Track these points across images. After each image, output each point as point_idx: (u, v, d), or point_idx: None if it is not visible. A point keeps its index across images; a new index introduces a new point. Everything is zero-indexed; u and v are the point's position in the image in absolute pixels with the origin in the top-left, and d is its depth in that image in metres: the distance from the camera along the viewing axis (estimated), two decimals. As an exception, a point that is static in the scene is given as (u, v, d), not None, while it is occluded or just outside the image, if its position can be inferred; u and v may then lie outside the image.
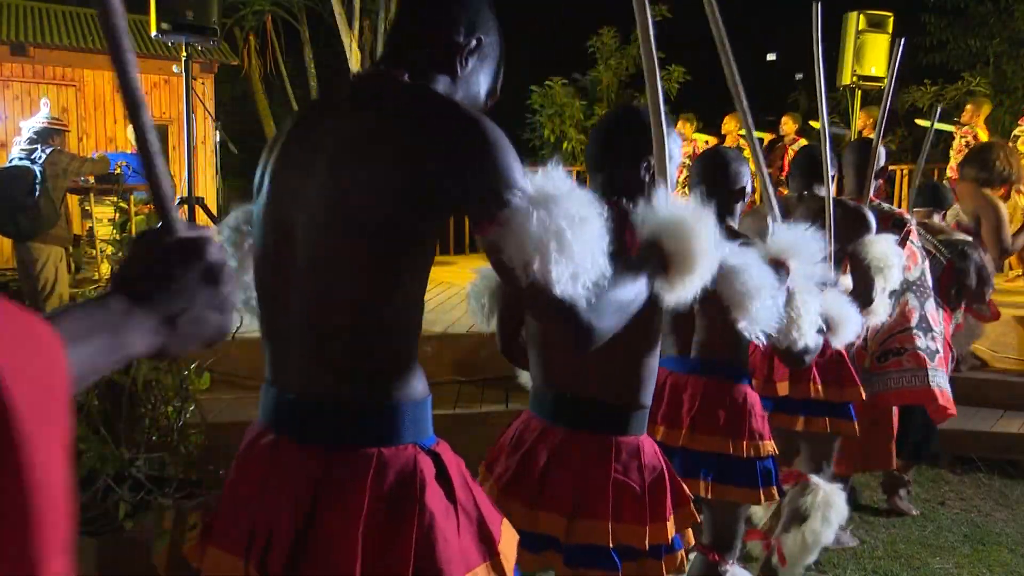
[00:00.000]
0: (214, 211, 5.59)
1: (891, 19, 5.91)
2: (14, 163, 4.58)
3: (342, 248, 1.00)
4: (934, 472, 3.78)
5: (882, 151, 2.98)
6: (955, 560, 2.95)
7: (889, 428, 3.04)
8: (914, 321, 3.02)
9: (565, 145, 11.11)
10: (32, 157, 4.56)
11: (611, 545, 1.43)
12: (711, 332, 1.95)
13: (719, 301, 1.42)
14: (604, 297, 1.00)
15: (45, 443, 0.47)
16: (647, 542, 1.44)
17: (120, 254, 2.78)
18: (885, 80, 5.82)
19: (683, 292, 1.19)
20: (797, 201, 2.69)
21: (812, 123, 11.79)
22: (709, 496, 1.90)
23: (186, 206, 4.44)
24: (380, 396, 1.03)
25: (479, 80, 1.13)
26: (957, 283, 3.29)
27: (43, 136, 4.69)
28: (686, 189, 7.49)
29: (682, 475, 1.71)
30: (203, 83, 8.97)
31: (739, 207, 2.01)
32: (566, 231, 0.91)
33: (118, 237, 2.86)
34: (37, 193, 4.49)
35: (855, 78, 5.88)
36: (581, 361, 1.44)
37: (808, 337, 1.73)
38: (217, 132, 6.25)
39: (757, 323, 1.40)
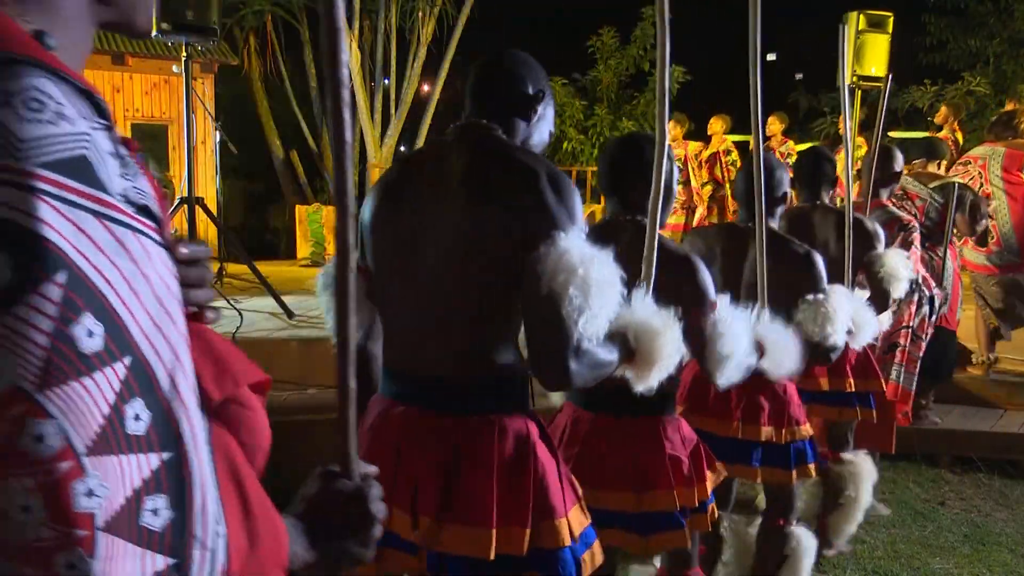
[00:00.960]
0: (214, 211, 5.60)
1: (891, 19, 5.90)
2: None
3: (471, 269, 1.30)
4: (934, 472, 3.78)
5: (899, 156, 3.11)
6: (955, 560, 2.95)
7: (892, 413, 3.20)
8: (913, 321, 3.24)
9: (565, 145, 11.11)
10: None
11: (677, 508, 1.75)
12: None
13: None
14: (591, 351, 1.24)
15: None
16: (696, 500, 1.79)
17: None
18: (882, 83, 5.83)
19: (644, 382, 1.43)
20: (811, 211, 2.76)
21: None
22: (759, 480, 2.29)
23: (186, 206, 4.43)
24: (497, 376, 1.35)
25: (545, 124, 1.47)
26: (951, 218, 3.49)
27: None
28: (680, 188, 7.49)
29: (731, 462, 2.08)
30: (203, 83, 8.98)
31: (779, 211, 2.33)
32: (594, 286, 1.17)
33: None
34: None
35: (855, 78, 5.88)
36: None
37: (840, 336, 2.04)
38: (217, 132, 6.25)
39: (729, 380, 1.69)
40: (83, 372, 0.49)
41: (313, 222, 7.46)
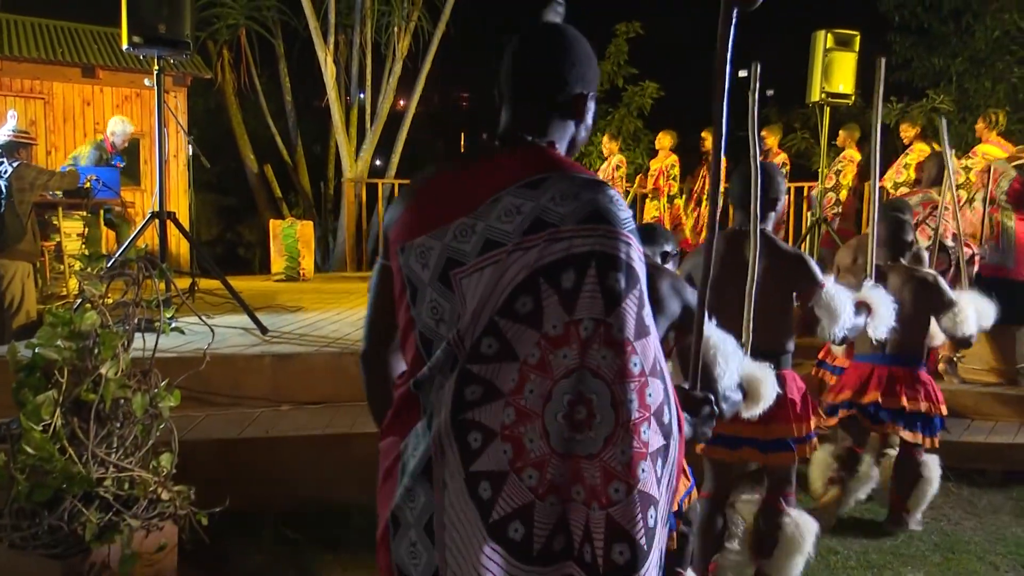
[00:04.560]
0: (186, 225, 5.53)
1: (858, 38, 6.04)
2: None
3: None
4: (905, 482, 3.83)
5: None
6: (926, 569, 2.99)
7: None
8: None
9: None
10: None
11: (794, 436, 2.58)
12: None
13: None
14: (728, 396, 1.59)
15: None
16: (803, 433, 2.60)
17: (88, 269, 2.73)
18: (852, 98, 5.98)
19: (751, 412, 2.19)
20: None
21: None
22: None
23: (157, 220, 4.38)
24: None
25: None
26: None
27: (9, 150, 4.61)
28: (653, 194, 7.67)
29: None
30: (175, 96, 8.89)
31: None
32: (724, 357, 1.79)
33: (87, 252, 2.81)
34: (2, 208, 4.40)
35: (823, 95, 6.00)
36: (762, 326, 2.32)
37: (972, 327, 3.19)
38: (189, 146, 6.19)
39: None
40: (648, 334, 1.10)
41: (287, 237, 7.39)
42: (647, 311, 1.10)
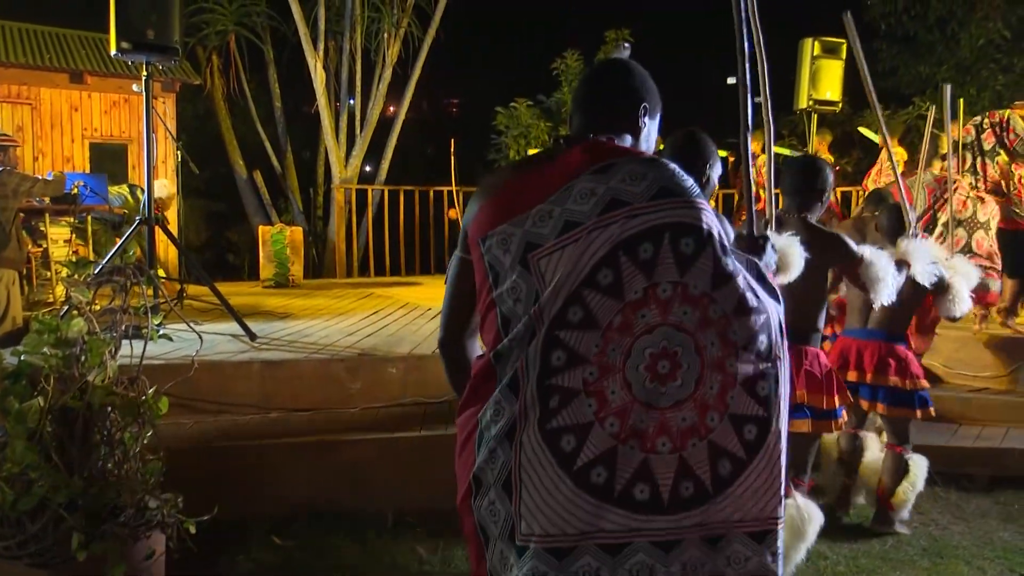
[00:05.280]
0: (174, 232, 5.51)
1: (844, 46, 6.10)
2: None
3: None
4: (893, 487, 3.85)
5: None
6: (914, 573, 3.00)
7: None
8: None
9: (530, 166, 11.17)
10: None
11: (811, 405, 2.75)
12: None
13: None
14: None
15: None
16: (825, 407, 2.74)
17: (75, 276, 2.71)
18: (839, 105, 6.05)
19: (786, 278, 2.38)
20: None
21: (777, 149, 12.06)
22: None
23: (145, 227, 4.35)
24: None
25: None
26: None
27: (-10, 153, 4.57)
28: None
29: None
30: (164, 102, 8.86)
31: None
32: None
33: (73, 259, 2.79)
34: None
35: (811, 102, 6.06)
36: (793, 305, 2.55)
37: (965, 306, 3.19)
38: (178, 152, 6.16)
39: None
40: (729, 280, 1.26)
41: (276, 243, 7.36)
42: (727, 260, 1.25)
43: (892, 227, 3.42)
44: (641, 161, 1.29)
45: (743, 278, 1.26)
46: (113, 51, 4.12)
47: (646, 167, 1.27)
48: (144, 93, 4.30)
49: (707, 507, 1.24)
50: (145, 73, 4.28)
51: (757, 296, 1.27)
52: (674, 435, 1.22)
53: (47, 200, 5.53)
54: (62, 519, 2.30)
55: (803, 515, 2.64)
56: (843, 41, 6.12)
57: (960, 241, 4.74)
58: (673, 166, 1.29)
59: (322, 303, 6.15)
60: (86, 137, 8.86)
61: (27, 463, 2.26)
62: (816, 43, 6.00)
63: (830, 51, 6.05)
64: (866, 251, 2.75)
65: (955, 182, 4.65)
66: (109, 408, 2.48)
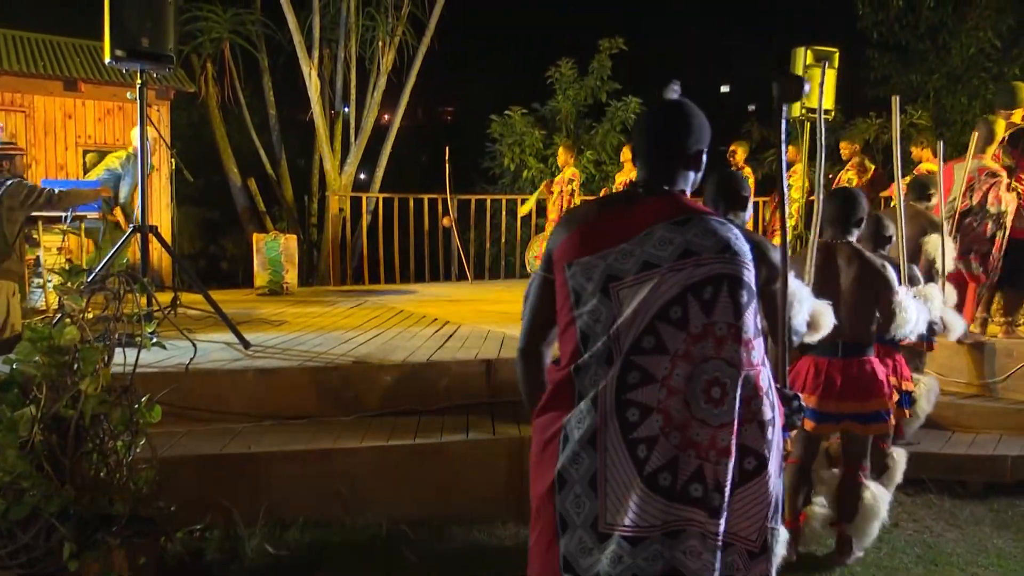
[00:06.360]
0: (168, 240, 5.49)
1: (837, 55, 6.13)
2: None
3: None
4: (887, 494, 3.85)
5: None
6: (909, 581, 3.00)
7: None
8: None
9: (525, 173, 11.21)
10: None
11: (887, 409, 3.08)
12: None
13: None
14: (795, 327, 2.29)
15: None
16: (886, 408, 3.10)
17: (68, 284, 2.69)
18: (832, 114, 6.08)
19: (814, 338, 2.69)
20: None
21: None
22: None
23: (139, 234, 4.34)
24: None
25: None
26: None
27: (-5, 162, 4.54)
28: None
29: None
30: (159, 110, 8.85)
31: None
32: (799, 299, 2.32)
33: (66, 267, 2.78)
34: None
35: (803, 111, 6.08)
36: (850, 321, 2.99)
37: (910, 331, 3.09)
38: (172, 159, 6.15)
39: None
40: (761, 335, 1.59)
41: (271, 250, 7.35)
42: (759, 318, 1.57)
43: (871, 235, 3.49)
44: (712, 222, 1.55)
45: (762, 337, 1.59)
46: (107, 59, 4.12)
47: (716, 227, 1.54)
48: (139, 101, 4.30)
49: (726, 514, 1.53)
50: (140, 81, 4.27)
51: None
52: (719, 450, 1.48)
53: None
54: (54, 528, 2.28)
55: (877, 498, 3.09)
56: (835, 50, 6.15)
57: (987, 229, 4.78)
58: (735, 231, 1.56)
59: (316, 311, 6.14)
60: (79, 145, 8.84)
61: (19, 472, 2.25)
62: (808, 52, 6.02)
63: (822, 60, 6.08)
64: (901, 291, 3.04)
65: (994, 174, 4.71)
66: (102, 417, 2.46)
